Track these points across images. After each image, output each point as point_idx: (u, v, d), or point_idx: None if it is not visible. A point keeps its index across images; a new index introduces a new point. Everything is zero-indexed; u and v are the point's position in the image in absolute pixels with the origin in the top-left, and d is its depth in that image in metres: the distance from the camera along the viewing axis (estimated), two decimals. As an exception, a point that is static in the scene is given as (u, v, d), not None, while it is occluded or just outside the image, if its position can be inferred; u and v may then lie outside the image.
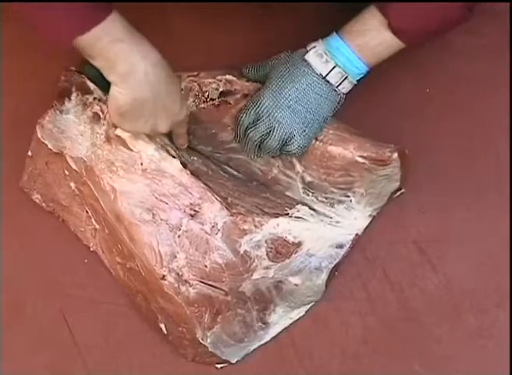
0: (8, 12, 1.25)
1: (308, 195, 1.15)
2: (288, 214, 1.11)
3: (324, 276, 1.14)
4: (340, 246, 1.14)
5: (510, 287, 1.16)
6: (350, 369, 1.15)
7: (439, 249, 1.19)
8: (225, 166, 1.17)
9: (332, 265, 1.14)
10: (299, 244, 1.11)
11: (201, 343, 1.11)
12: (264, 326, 1.15)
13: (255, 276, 1.10)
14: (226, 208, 1.09)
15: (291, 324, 1.17)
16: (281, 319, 1.16)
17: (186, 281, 1.08)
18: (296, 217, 1.11)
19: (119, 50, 0.97)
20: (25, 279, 1.20)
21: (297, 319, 1.17)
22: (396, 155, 1.12)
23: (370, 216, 1.17)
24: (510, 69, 1.25)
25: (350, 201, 1.15)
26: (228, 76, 1.17)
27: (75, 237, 1.20)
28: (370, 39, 1.07)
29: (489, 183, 1.21)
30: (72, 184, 1.16)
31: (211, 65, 1.20)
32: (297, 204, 1.13)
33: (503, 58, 1.26)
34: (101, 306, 1.19)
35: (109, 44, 0.96)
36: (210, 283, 1.09)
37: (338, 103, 1.12)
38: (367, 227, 1.17)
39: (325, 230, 1.13)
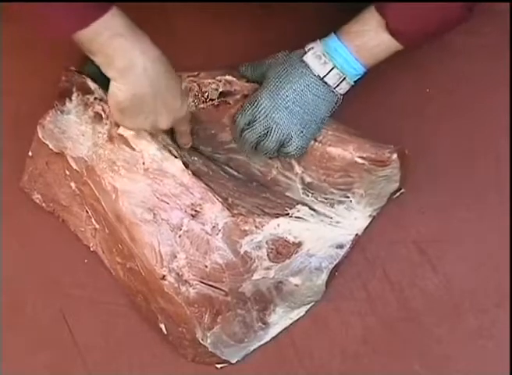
0: (9, 12, 1.25)
1: (308, 196, 1.15)
2: (288, 214, 1.11)
3: (324, 276, 1.14)
4: (340, 246, 1.14)
5: (510, 287, 1.16)
6: (350, 369, 1.15)
7: (439, 249, 1.19)
8: (226, 167, 1.17)
9: (333, 265, 1.14)
10: (299, 245, 1.11)
11: (201, 343, 1.11)
12: (264, 326, 1.15)
13: (255, 276, 1.10)
14: (227, 208, 1.09)
15: (291, 324, 1.17)
16: (281, 319, 1.16)
17: (186, 281, 1.08)
18: (296, 217, 1.11)
19: (118, 45, 0.97)
20: (25, 279, 1.20)
21: (297, 320, 1.17)
22: (395, 155, 1.12)
23: (370, 216, 1.17)
24: (510, 69, 1.25)
25: (350, 201, 1.15)
26: (228, 77, 1.16)
27: (75, 237, 1.20)
28: (368, 40, 1.07)
29: (489, 183, 1.21)
30: (73, 184, 1.16)
31: (212, 64, 1.20)
32: (297, 204, 1.13)
33: (503, 58, 1.26)
34: (101, 306, 1.19)
35: (109, 39, 0.96)
36: (210, 283, 1.09)
37: (335, 104, 1.12)
38: (367, 227, 1.17)
39: (325, 230, 1.13)
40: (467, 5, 1.03)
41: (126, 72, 0.99)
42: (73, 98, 1.15)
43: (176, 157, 1.10)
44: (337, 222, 1.15)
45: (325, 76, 1.09)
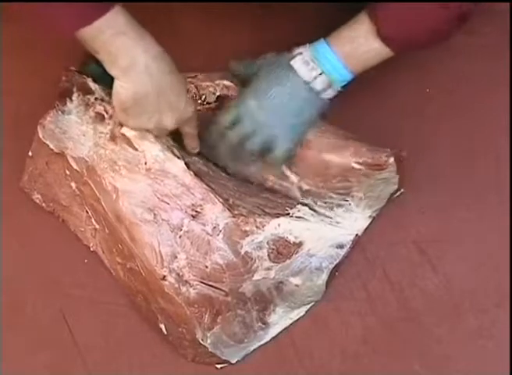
0: (9, 12, 1.25)
1: (307, 199, 1.15)
2: (289, 214, 1.11)
3: (324, 276, 1.14)
4: (341, 246, 1.14)
5: (510, 287, 1.16)
6: (350, 369, 1.15)
7: (439, 249, 1.19)
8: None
9: (333, 265, 1.14)
10: (300, 245, 1.11)
11: (201, 343, 1.11)
12: (264, 326, 1.15)
13: (256, 277, 1.10)
14: (228, 209, 1.09)
15: (291, 324, 1.17)
16: (281, 319, 1.16)
17: (186, 282, 1.08)
18: (297, 217, 1.11)
19: (120, 43, 0.98)
20: (25, 279, 1.20)
21: (297, 320, 1.17)
22: (392, 159, 1.12)
23: (370, 217, 1.17)
24: (510, 69, 1.26)
25: (349, 204, 1.15)
26: (226, 82, 1.16)
27: (75, 237, 1.20)
28: (358, 46, 1.07)
29: (489, 183, 1.21)
30: (73, 184, 1.16)
31: (215, 65, 1.19)
32: (298, 204, 1.13)
33: (503, 58, 1.26)
34: (101, 306, 1.19)
35: (112, 37, 0.97)
36: (210, 283, 1.09)
37: (322, 108, 1.12)
38: (367, 228, 1.17)
39: (326, 230, 1.13)
40: (459, 16, 1.03)
41: (128, 70, 0.99)
42: (74, 98, 1.15)
43: (178, 157, 1.10)
44: (337, 222, 1.15)
45: (312, 81, 1.09)
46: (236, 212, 1.09)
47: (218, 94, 1.17)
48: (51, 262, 1.21)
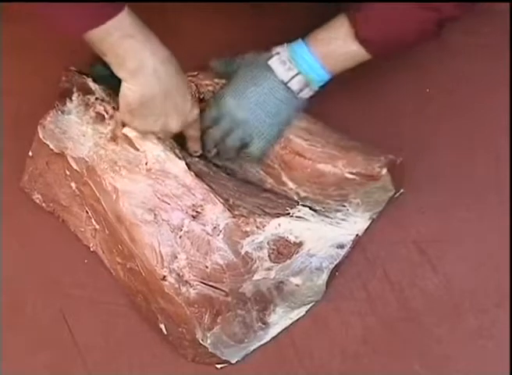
0: (9, 12, 1.25)
1: (306, 203, 1.15)
2: (289, 214, 1.11)
3: (324, 276, 1.14)
4: (341, 246, 1.14)
5: (510, 287, 1.16)
6: (350, 369, 1.15)
7: (439, 249, 1.19)
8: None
9: (333, 265, 1.14)
10: (300, 244, 1.11)
11: (201, 343, 1.11)
12: (264, 326, 1.15)
13: (256, 277, 1.10)
14: (228, 209, 1.09)
15: (291, 324, 1.17)
16: (281, 319, 1.16)
17: (186, 282, 1.08)
18: (297, 217, 1.11)
19: (128, 46, 0.98)
20: (25, 279, 1.20)
21: (297, 320, 1.17)
22: (384, 170, 1.12)
23: (370, 218, 1.17)
24: (510, 69, 1.26)
25: (347, 209, 1.15)
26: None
27: (75, 237, 1.20)
28: (335, 48, 1.07)
29: (489, 183, 1.21)
30: (73, 185, 1.16)
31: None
32: (298, 204, 1.13)
33: (503, 58, 1.26)
34: (101, 306, 1.19)
35: (119, 39, 0.97)
36: (210, 283, 1.09)
37: (298, 108, 1.13)
38: (367, 228, 1.17)
39: (326, 229, 1.13)
40: (439, 21, 1.03)
41: (136, 73, 1.00)
42: (74, 98, 1.16)
43: (179, 158, 1.10)
44: (337, 222, 1.15)
45: (288, 81, 1.10)
46: (236, 213, 1.09)
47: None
48: (51, 262, 1.21)
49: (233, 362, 1.14)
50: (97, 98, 1.15)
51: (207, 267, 1.08)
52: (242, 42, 1.20)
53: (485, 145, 1.23)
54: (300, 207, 1.13)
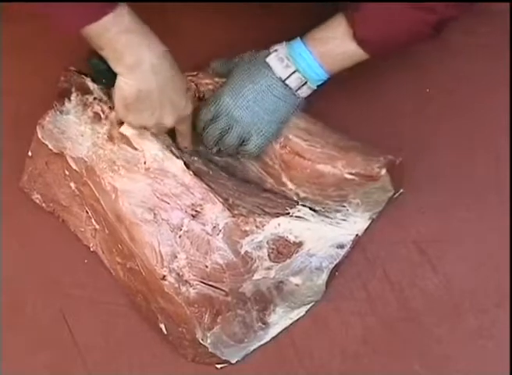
0: (9, 12, 1.25)
1: (305, 204, 1.15)
2: (289, 213, 1.11)
3: (324, 276, 1.14)
4: (341, 246, 1.14)
5: (510, 287, 1.16)
6: (350, 369, 1.15)
7: (439, 249, 1.19)
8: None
9: (333, 265, 1.14)
10: (300, 244, 1.11)
11: (201, 343, 1.11)
12: (264, 326, 1.15)
13: (256, 276, 1.10)
14: (228, 209, 1.09)
15: (291, 324, 1.17)
16: (281, 319, 1.16)
17: (186, 281, 1.08)
18: (297, 216, 1.11)
19: (126, 41, 0.98)
20: (25, 279, 1.20)
21: (297, 320, 1.17)
22: (384, 171, 1.12)
23: (369, 218, 1.17)
24: (510, 69, 1.26)
25: (347, 209, 1.15)
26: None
27: (75, 237, 1.20)
28: (333, 47, 1.08)
29: (489, 183, 1.21)
30: (73, 184, 1.16)
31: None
32: (298, 204, 1.13)
33: (503, 58, 1.26)
34: (101, 306, 1.19)
35: (117, 34, 0.97)
36: (210, 283, 1.09)
37: (297, 107, 1.13)
38: (367, 228, 1.17)
39: (326, 229, 1.13)
40: (437, 22, 1.03)
41: (134, 68, 1.00)
42: (72, 98, 1.16)
43: (177, 157, 1.10)
44: (337, 222, 1.15)
45: (286, 78, 1.10)
46: (235, 212, 1.09)
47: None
48: (51, 262, 1.21)
49: (233, 362, 1.14)
50: (95, 98, 1.15)
51: (207, 267, 1.08)
52: (242, 42, 1.19)
53: (485, 145, 1.23)
54: (299, 207, 1.13)
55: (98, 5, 0.96)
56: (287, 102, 1.11)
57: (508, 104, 1.24)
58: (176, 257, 1.08)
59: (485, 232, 1.19)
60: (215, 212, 1.09)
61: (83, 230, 1.19)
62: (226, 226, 1.08)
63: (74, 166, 1.14)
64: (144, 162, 1.10)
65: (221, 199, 1.09)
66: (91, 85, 1.15)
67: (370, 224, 1.17)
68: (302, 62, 1.09)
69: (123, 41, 0.98)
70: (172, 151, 1.11)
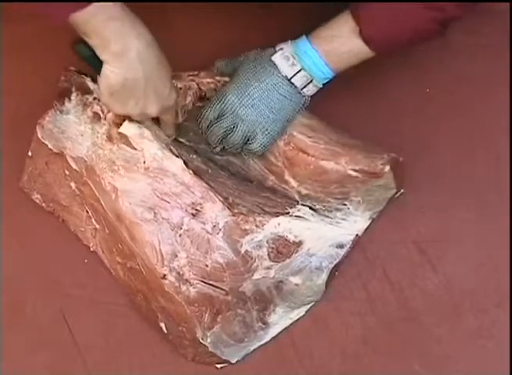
0: (9, 12, 1.25)
1: (306, 202, 1.15)
2: (289, 213, 1.11)
3: (324, 276, 1.14)
4: (341, 246, 1.14)
5: (510, 287, 1.16)
6: (350, 369, 1.15)
7: (439, 249, 1.19)
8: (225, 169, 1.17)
9: (333, 265, 1.14)
10: (299, 244, 1.11)
11: (201, 343, 1.11)
12: (264, 326, 1.15)
13: (256, 276, 1.10)
14: (228, 208, 1.09)
15: (291, 324, 1.17)
16: (281, 319, 1.16)
17: (186, 280, 1.08)
18: (296, 216, 1.11)
19: (113, 28, 0.98)
20: (25, 279, 1.20)
21: (297, 320, 1.17)
22: (388, 167, 1.12)
23: (370, 218, 1.17)
24: (510, 69, 1.26)
25: (348, 208, 1.15)
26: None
27: (75, 237, 1.20)
28: (339, 45, 1.08)
29: (489, 183, 1.21)
30: (73, 184, 1.16)
31: (211, 64, 1.20)
32: (298, 203, 1.13)
33: (503, 58, 1.26)
34: (101, 306, 1.19)
35: (104, 22, 0.97)
36: (211, 282, 1.09)
37: (302, 105, 1.13)
38: (367, 228, 1.17)
39: (326, 229, 1.13)
40: (441, 20, 1.03)
41: (120, 55, 0.99)
42: (72, 97, 1.16)
43: (176, 156, 1.10)
44: (337, 222, 1.15)
45: (292, 77, 1.10)
46: (235, 211, 1.09)
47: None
48: (51, 262, 1.21)
49: (233, 361, 1.15)
50: (95, 98, 1.15)
51: (207, 266, 1.08)
52: (242, 42, 1.20)
53: (485, 145, 1.23)
54: (299, 206, 1.13)
55: None
56: (293, 101, 1.11)
57: (508, 104, 1.24)
58: (177, 256, 1.08)
59: (485, 232, 1.19)
60: (215, 211, 1.09)
61: (83, 229, 1.19)
62: (226, 225, 1.08)
63: (74, 166, 1.14)
64: (144, 162, 1.10)
65: (221, 198, 1.09)
66: (91, 85, 1.15)
67: (370, 224, 1.17)
68: (308, 60, 1.09)
69: (110, 28, 0.97)
70: (171, 151, 1.11)
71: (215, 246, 1.08)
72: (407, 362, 1.15)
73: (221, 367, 1.15)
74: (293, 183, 1.15)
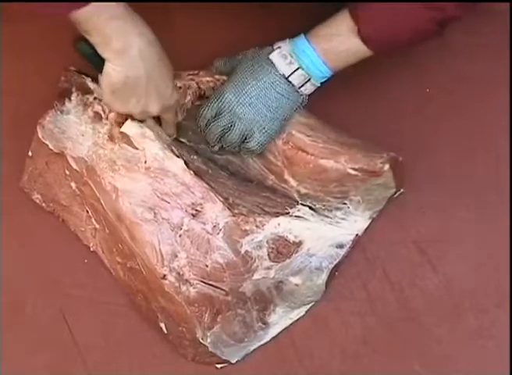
0: (9, 12, 1.25)
1: (306, 201, 1.15)
2: (289, 213, 1.11)
3: (324, 276, 1.14)
4: (341, 246, 1.14)
5: (510, 287, 1.16)
6: (350, 369, 1.15)
7: (439, 249, 1.19)
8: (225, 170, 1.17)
9: (333, 265, 1.14)
10: (299, 244, 1.11)
11: (201, 343, 1.11)
12: (264, 326, 1.15)
13: (256, 276, 1.10)
14: (228, 208, 1.09)
15: (291, 324, 1.17)
16: (281, 319, 1.16)
17: (186, 281, 1.08)
18: (296, 216, 1.11)
19: (115, 26, 0.98)
20: (25, 279, 1.20)
21: (297, 320, 1.17)
22: (387, 166, 1.12)
23: (370, 218, 1.17)
24: (510, 69, 1.26)
25: (348, 207, 1.15)
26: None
27: (75, 237, 1.20)
28: (337, 44, 1.08)
29: (489, 183, 1.21)
30: (73, 184, 1.16)
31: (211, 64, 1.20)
32: (298, 203, 1.13)
33: (503, 58, 1.26)
34: (101, 306, 1.19)
35: (106, 20, 0.97)
36: (211, 282, 1.09)
37: (300, 104, 1.13)
38: (367, 228, 1.17)
39: (326, 229, 1.13)
40: (439, 20, 1.03)
41: (122, 53, 0.99)
42: (73, 98, 1.16)
43: (177, 156, 1.10)
44: (337, 222, 1.15)
45: (289, 75, 1.10)
46: (236, 211, 1.09)
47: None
48: (51, 262, 1.21)
49: (233, 361, 1.15)
50: (95, 98, 1.15)
51: (207, 266, 1.08)
52: (243, 42, 1.20)
53: (485, 145, 1.23)
54: (299, 206, 1.13)
55: None
56: (290, 99, 1.11)
57: (508, 104, 1.24)
58: (177, 256, 1.08)
59: (485, 232, 1.19)
60: (216, 212, 1.09)
61: (83, 229, 1.19)
62: (226, 225, 1.08)
63: (75, 166, 1.14)
64: (145, 162, 1.10)
65: (221, 198, 1.09)
66: (91, 85, 1.15)
67: (370, 224, 1.17)
68: (305, 58, 1.09)
69: (112, 26, 0.97)
70: (172, 151, 1.11)
71: (215, 246, 1.08)
72: (407, 362, 1.15)
73: (221, 367, 1.15)
74: (293, 182, 1.15)
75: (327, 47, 1.08)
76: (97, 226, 1.16)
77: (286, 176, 1.15)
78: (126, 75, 1.01)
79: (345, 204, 1.14)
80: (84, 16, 0.96)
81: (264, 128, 1.11)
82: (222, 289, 1.09)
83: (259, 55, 1.12)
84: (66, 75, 1.17)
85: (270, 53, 1.11)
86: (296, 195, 1.15)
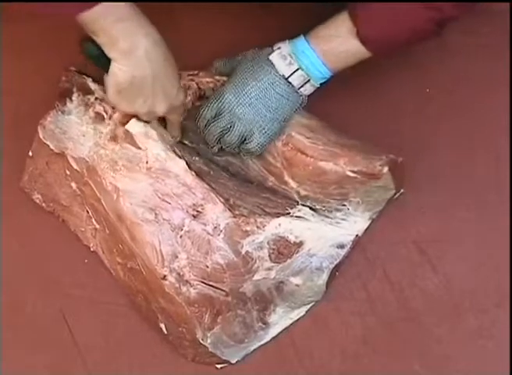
0: (9, 12, 1.25)
1: (306, 203, 1.15)
2: (289, 213, 1.11)
3: (325, 276, 1.14)
4: (341, 246, 1.14)
5: (510, 287, 1.16)
6: (350, 369, 1.15)
7: (439, 249, 1.19)
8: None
9: (333, 265, 1.14)
10: (300, 244, 1.11)
11: (201, 343, 1.11)
12: (264, 326, 1.15)
13: (256, 277, 1.10)
14: (229, 209, 1.09)
15: (291, 324, 1.17)
16: (281, 319, 1.16)
17: (187, 281, 1.08)
18: (297, 216, 1.11)
19: (122, 27, 0.98)
20: (25, 279, 1.20)
21: (297, 320, 1.17)
22: (386, 168, 1.12)
23: (369, 218, 1.17)
24: (510, 69, 1.26)
25: (348, 209, 1.15)
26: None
27: (75, 237, 1.20)
28: (336, 45, 1.08)
29: (489, 183, 1.21)
30: (74, 184, 1.16)
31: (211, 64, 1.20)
32: (298, 204, 1.13)
33: (503, 58, 1.26)
34: (101, 306, 1.19)
35: (113, 21, 0.97)
36: (211, 283, 1.09)
37: (300, 104, 1.13)
38: (367, 228, 1.17)
39: (326, 229, 1.13)
40: (437, 21, 1.03)
41: (128, 53, 0.99)
42: (74, 98, 1.16)
43: (179, 157, 1.10)
44: (337, 222, 1.15)
45: (289, 76, 1.10)
46: (236, 212, 1.09)
47: (217, 89, 1.17)
48: (51, 262, 1.21)
49: (233, 362, 1.15)
50: (96, 98, 1.15)
51: (207, 267, 1.08)
52: (243, 42, 1.20)
53: (485, 145, 1.23)
54: (300, 207, 1.13)
55: None
56: (290, 100, 1.11)
57: (508, 104, 1.24)
58: (177, 257, 1.08)
59: (485, 232, 1.19)
60: (216, 213, 1.09)
61: (83, 229, 1.19)
62: (227, 226, 1.08)
63: (75, 166, 1.14)
64: (146, 162, 1.10)
65: (222, 199, 1.09)
66: (92, 85, 1.15)
67: (370, 224, 1.17)
68: (305, 59, 1.09)
69: (119, 26, 0.97)
70: (174, 152, 1.11)
71: (215, 247, 1.08)
72: (407, 362, 1.15)
73: (221, 367, 1.15)
74: (293, 183, 1.15)
75: (326, 48, 1.08)
76: (98, 226, 1.16)
77: (286, 178, 1.15)
78: (133, 75, 1.01)
79: (344, 205, 1.14)
80: (91, 17, 0.96)
81: (263, 129, 1.11)
82: (222, 290, 1.09)
83: (259, 55, 1.12)
84: (67, 75, 1.18)
85: (270, 54, 1.11)
86: (296, 196, 1.15)
